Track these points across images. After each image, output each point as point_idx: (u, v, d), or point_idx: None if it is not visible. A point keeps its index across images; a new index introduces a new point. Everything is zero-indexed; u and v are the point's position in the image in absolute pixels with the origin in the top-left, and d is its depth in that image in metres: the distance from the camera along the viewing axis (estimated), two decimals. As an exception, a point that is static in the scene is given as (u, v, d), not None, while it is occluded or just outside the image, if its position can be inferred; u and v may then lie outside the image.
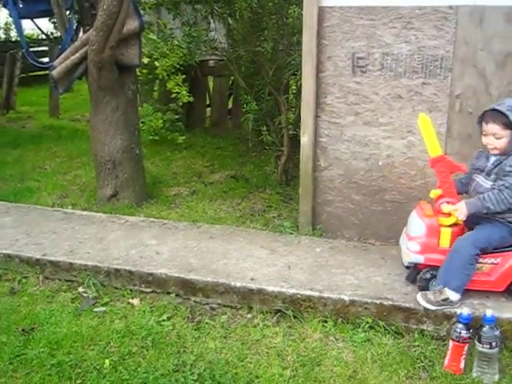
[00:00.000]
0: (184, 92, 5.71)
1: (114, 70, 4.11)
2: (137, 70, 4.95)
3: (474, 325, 2.56)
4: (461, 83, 3.29)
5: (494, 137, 2.74)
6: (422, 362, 2.62)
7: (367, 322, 2.85)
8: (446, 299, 2.75)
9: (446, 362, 2.58)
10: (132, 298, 3.17)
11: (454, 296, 2.76)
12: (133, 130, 4.43)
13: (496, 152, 2.77)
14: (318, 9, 3.37)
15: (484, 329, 2.49)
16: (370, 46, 3.37)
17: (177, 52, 5.37)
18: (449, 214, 2.81)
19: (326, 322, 2.90)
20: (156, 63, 5.64)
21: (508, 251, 2.80)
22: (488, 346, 2.46)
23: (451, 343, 2.55)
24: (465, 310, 2.56)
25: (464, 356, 2.55)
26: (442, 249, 2.83)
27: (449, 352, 2.57)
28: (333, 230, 3.70)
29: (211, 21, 5.04)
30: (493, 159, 2.81)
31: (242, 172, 5.36)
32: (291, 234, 3.77)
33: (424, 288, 2.88)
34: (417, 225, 2.92)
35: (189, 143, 6.25)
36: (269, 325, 2.92)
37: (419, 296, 2.81)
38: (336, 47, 3.43)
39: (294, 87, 4.94)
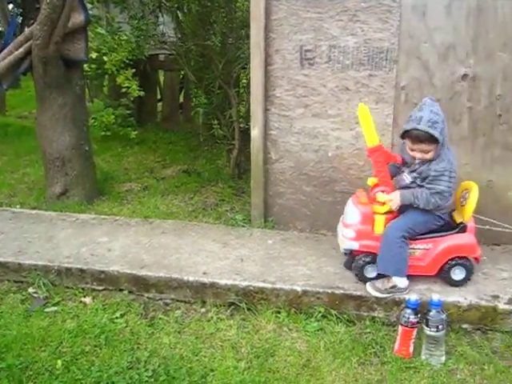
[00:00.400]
0: (134, 86, 5.64)
1: (60, 65, 4.01)
2: (85, 64, 4.86)
3: (422, 310, 2.63)
4: (406, 75, 3.36)
5: (422, 153, 2.81)
6: (374, 348, 2.69)
7: (320, 312, 2.90)
8: (394, 286, 2.83)
9: (396, 346, 2.65)
10: (84, 297, 3.12)
11: (400, 282, 2.83)
12: (81, 126, 4.35)
13: (422, 160, 2.86)
14: (265, 2, 3.37)
15: (431, 313, 2.57)
16: (318, 38, 3.40)
17: (125, 46, 5.30)
18: (383, 203, 2.89)
19: (279, 312, 2.93)
20: (105, 58, 5.55)
21: (439, 237, 2.91)
22: (435, 330, 2.54)
23: (400, 328, 2.62)
24: (412, 296, 2.64)
25: (413, 340, 2.62)
26: (376, 235, 2.92)
27: (398, 337, 2.64)
28: (285, 221, 3.73)
29: (159, 14, 4.99)
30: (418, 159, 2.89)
31: (194, 166, 5.34)
32: (243, 226, 3.78)
33: (359, 274, 2.96)
34: (352, 212, 2.99)
35: (140, 138, 6.18)
36: (223, 318, 2.93)
37: (368, 286, 2.88)
38: (284, 40, 3.45)
39: (244, 81, 4.93)
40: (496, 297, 2.83)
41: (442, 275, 2.94)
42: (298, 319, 2.89)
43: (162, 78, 7.44)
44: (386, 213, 2.92)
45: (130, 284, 3.11)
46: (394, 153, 3.12)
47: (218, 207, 4.31)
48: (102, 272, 3.13)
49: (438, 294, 2.69)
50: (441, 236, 2.93)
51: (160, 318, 2.95)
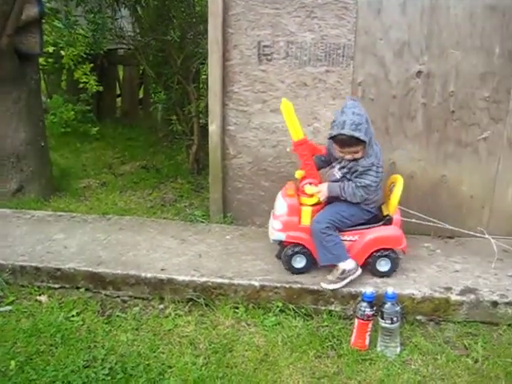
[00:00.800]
0: (92, 81, 5.57)
1: (14, 58, 3.92)
2: (41, 58, 4.76)
3: (378, 302, 2.68)
4: (362, 71, 3.41)
5: (352, 155, 2.85)
6: (331, 341, 2.71)
7: (278, 306, 2.92)
8: (343, 271, 2.88)
9: (353, 339, 2.69)
10: (40, 295, 3.07)
11: (346, 265, 2.89)
12: (37, 122, 4.27)
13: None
14: (223, -3, 3.37)
15: (386, 305, 2.61)
16: (275, 34, 3.41)
17: (83, 41, 5.21)
18: (311, 195, 2.95)
19: (237, 308, 2.94)
20: (62, 52, 5.46)
21: (364, 229, 2.98)
22: (390, 322, 2.59)
23: (356, 321, 2.66)
24: (368, 289, 2.67)
25: (369, 332, 2.66)
26: (303, 227, 2.97)
27: (355, 330, 2.68)
28: (244, 217, 3.74)
29: (117, 8, 4.91)
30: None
31: (153, 162, 5.31)
32: (202, 222, 3.78)
33: (287, 264, 3.01)
34: (279, 204, 3.04)
35: (99, 134, 6.10)
36: (181, 314, 2.92)
37: (322, 283, 2.91)
38: (242, 36, 3.44)
39: (203, 76, 4.92)
40: (449, 288, 2.90)
41: (369, 267, 3.01)
42: (256, 314, 2.90)
43: (121, 73, 7.34)
44: (313, 205, 2.97)
45: (87, 281, 3.07)
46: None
47: (176, 203, 4.30)
48: (58, 270, 3.08)
49: (392, 286, 2.74)
50: (366, 228, 2.99)
51: (117, 316, 2.92)
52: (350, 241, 2.97)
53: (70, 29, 5.11)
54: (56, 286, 3.11)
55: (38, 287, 3.11)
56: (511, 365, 2.56)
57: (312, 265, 3.01)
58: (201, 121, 4.70)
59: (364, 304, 2.63)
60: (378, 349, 2.65)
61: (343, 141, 2.78)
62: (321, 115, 3.48)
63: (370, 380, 2.47)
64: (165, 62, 4.82)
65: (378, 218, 3.03)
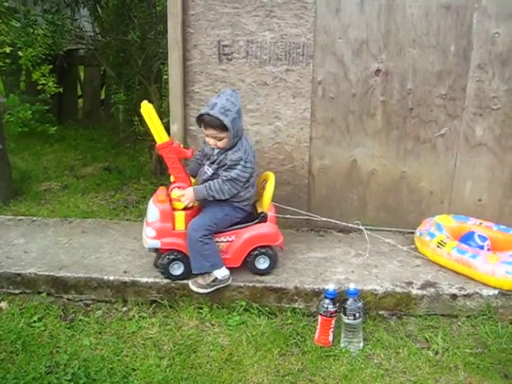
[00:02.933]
0: (51, 83, 5.46)
1: (-32, 60, 3.84)
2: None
3: (341, 299, 2.71)
4: (322, 70, 3.43)
5: (215, 139, 2.85)
6: (295, 339, 2.74)
7: (241, 305, 2.93)
8: (215, 279, 2.89)
9: (316, 336, 2.71)
10: (-1, 302, 3.02)
11: (219, 273, 2.90)
12: (-5, 124, 4.18)
13: (219, 149, 2.91)
14: (182, -4, 3.36)
15: (348, 301, 2.64)
16: (235, 33, 3.41)
17: (41, 41, 5.11)
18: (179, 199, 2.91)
19: (201, 308, 2.94)
20: (20, 53, 5.34)
21: (240, 228, 2.99)
22: (352, 318, 2.62)
23: (320, 318, 2.68)
24: (331, 286, 2.70)
25: (332, 329, 2.69)
26: (177, 232, 2.92)
27: (318, 327, 2.70)
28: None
29: (76, 8, 4.85)
30: (217, 150, 2.93)
31: (115, 163, 5.25)
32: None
33: (165, 271, 2.95)
34: (151, 211, 2.96)
35: (60, 136, 6.00)
36: (145, 316, 2.90)
37: (191, 284, 2.92)
38: (202, 35, 3.43)
39: (165, 76, 4.88)
40: (410, 283, 2.96)
41: (248, 265, 3.02)
42: (220, 314, 2.91)
43: (82, 74, 7.24)
44: (185, 209, 2.93)
45: (49, 286, 3.02)
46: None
47: (139, 204, 4.27)
48: (19, 275, 3.03)
49: (355, 282, 2.77)
50: (242, 227, 2.99)
51: (80, 320, 2.89)
52: (228, 241, 2.98)
53: (29, 28, 5.03)
54: (16, 291, 3.05)
55: (-2, 293, 3.05)
56: (470, 355, 2.63)
57: (190, 271, 2.94)
58: (163, 121, 4.66)
59: (327, 301, 2.66)
60: (342, 345, 2.69)
61: (208, 122, 2.80)
62: (282, 114, 3.49)
63: (334, 376, 2.50)
64: (126, 62, 4.78)
65: (253, 216, 3.05)
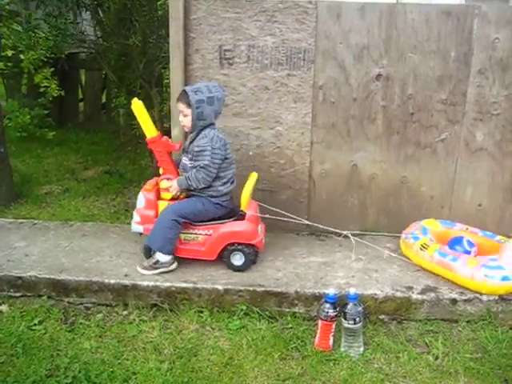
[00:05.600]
0: (53, 86, 5.46)
1: (-30, 64, 3.85)
2: (0, 63, 4.67)
3: (341, 303, 2.71)
4: (323, 74, 3.45)
5: (182, 114, 3.04)
6: (295, 343, 2.73)
7: (242, 310, 2.92)
8: (157, 262, 3.04)
9: (317, 340, 2.71)
10: (0, 305, 3.01)
11: (161, 257, 3.05)
12: (-4, 128, 4.19)
13: (186, 129, 3.12)
14: (184, 1, 3.36)
15: (348, 306, 2.64)
16: (237, 38, 3.42)
17: (43, 44, 5.12)
18: (168, 189, 3.10)
19: (201, 312, 2.94)
20: (21, 56, 5.35)
21: (218, 224, 3.10)
22: (353, 322, 2.62)
23: (320, 322, 2.68)
24: (331, 291, 2.70)
25: (332, 333, 2.69)
26: None
27: (318, 331, 2.70)
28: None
29: (78, 12, 4.87)
30: (189, 138, 3.12)
31: (116, 167, 5.26)
32: (167, 227, 3.76)
33: (146, 256, 3.16)
34: (139, 199, 3.19)
35: (61, 139, 6.01)
36: (145, 320, 2.90)
37: (138, 267, 3.07)
38: (203, 40, 3.45)
39: (166, 80, 4.90)
40: (410, 288, 2.96)
41: (224, 260, 3.12)
42: (220, 318, 2.91)
43: (83, 77, 7.26)
44: (171, 199, 3.13)
45: (49, 289, 3.02)
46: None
47: (140, 208, 4.26)
48: (19, 278, 3.03)
49: (355, 287, 2.78)
50: (220, 223, 3.11)
51: (81, 323, 2.88)
52: (206, 235, 3.09)
53: (31, 32, 5.04)
54: (17, 294, 3.05)
55: (-1, 297, 3.06)
56: (470, 360, 2.63)
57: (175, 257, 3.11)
58: (164, 125, 4.68)
59: (327, 305, 2.66)
60: (342, 349, 2.69)
61: (181, 96, 3.01)
62: (283, 118, 3.50)
63: (334, 380, 2.49)
64: (127, 66, 4.80)
65: (235, 213, 3.14)
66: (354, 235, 3.26)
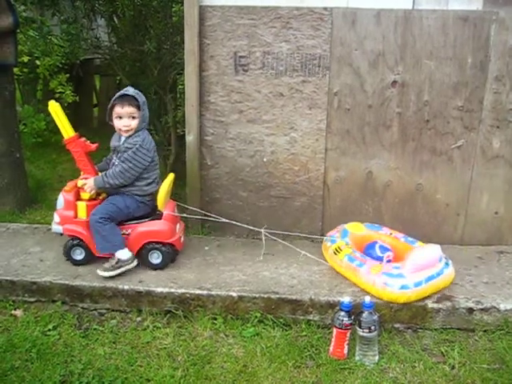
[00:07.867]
0: (68, 92, 5.50)
1: (-12, 70, 3.88)
2: (16, 68, 4.71)
3: (356, 311, 2.69)
4: (338, 81, 3.43)
5: (131, 118, 3.09)
6: (309, 351, 2.72)
7: (256, 317, 2.91)
8: (118, 261, 3.04)
9: (331, 348, 2.69)
10: (15, 310, 3.02)
11: (122, 255, 3.06)
12: (12, 133, 4.21)
13: (131, 133, 3.12)
14: (199, 8, 3.37)
15: (363, 314, 2.62)
16: (251, 44, 3.42)
17: (58, 50, 5.16)
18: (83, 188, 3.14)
19: (215, 319, 2.93)
20: (37, 62, 5.39)
21: (136, 223, 3.17)
22: (367, 331, 2.60)
23: (335, 331, 2.66)
24: (346, 299, 2.68)
25: (347, 342, 2.67)
26: (78, 220, 3.16)
27: (333, 339, 2.68)
28: (222, 227, 3.72)
29: (93, 18, 4.89)
30: (123, 139, 3.15)
31: (130, 172, 5.24)
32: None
33: (67, 255, 3.20)
34: (59, 199, 3.21)
35: (76, 145, 6.01)
36: (159, 326, 2.90)
37: (98, 271, 3.05)
38: (218, 46, 3.45)
39: (180, 86, 4.91)
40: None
41: (143, 259, 3.16)
42: (234, 325, 2.90)
43: (98, 83, 7.30)
44: (90, 199, 3.16)
45: (64, 294, 3.03)
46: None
47: (154, 214, 4.26)
48: (34, 283, 3.04)
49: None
50: (138, 223, 3.17)
51: (95, 329, 2.89)
52: (124, 234, 3.14)
53: (45, 39, 5.08)
54: (32, 299, 3.06)
55: (13, 301, 3.06)
56: (487, 371, 2.59)
57: (92, 257, 3.16)
58: (178, 131, 4.68)
59: (342, 313, 2.64)
60: (357, 358, 2.66)
61: (128, 100, 3.06)
62: (297, 125, 3.50)
63: (348, 389, 2.48)
64: (141, 72, 4.80)
65: (156, 212, 3.19)
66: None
